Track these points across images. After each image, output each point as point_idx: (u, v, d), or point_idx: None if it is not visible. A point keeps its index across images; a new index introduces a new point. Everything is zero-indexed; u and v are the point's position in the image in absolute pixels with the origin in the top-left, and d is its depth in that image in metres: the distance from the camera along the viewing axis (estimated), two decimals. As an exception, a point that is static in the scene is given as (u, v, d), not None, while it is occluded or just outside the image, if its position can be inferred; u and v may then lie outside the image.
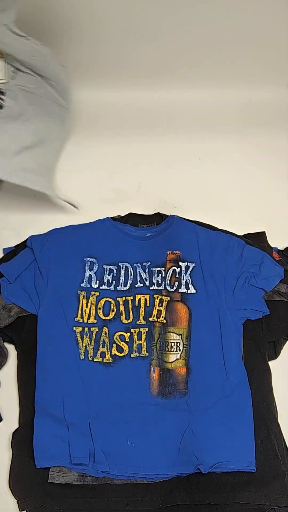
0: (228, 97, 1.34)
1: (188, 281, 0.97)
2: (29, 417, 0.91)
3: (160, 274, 0.98)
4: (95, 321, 0.95)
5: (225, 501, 0.83)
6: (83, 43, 1.26)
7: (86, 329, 0.94)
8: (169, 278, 0.97)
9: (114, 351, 0.93)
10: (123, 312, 0.96)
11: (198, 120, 1.32)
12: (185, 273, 0.97)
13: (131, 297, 0.97)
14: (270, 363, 0.98)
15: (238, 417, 0.88)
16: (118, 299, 0.97)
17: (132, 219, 1.07)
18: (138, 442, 0.86)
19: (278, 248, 1.09)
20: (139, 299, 0.96)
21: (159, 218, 1.08)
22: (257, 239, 1.08)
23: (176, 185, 1.19)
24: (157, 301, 0.96)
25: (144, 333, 0.94)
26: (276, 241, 1.10)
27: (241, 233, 1.09)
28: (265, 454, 0.87)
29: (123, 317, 0.95)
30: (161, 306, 0.95)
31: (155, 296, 0.96)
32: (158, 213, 1.08)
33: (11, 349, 1.00)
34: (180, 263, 0.98)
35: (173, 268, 0.98)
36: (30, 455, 0.87)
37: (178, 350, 0.92)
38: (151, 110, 1.33)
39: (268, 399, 0.93)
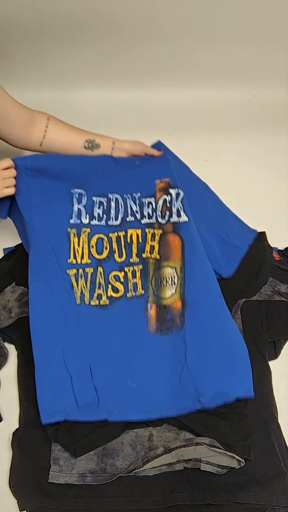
0: (228, 97, 1.34)
1: (179, 209, 0.93)
2: (29, 417, 0.91)
3: (150, 205, 0.94)
4: (89, 261, 0.90)
5: (225, 501, 0.83)
6: (83, 43, 1.26)
7: (80, 270, 0.89)
8: (160, 209, 0.93)
9: (110, 292, 0.89)
10: (116, 249, 0.91)
11: (198, 120, 1.32)
12: (176, 200, 0.94)
13: (123, 233, 0.92)
14: (270, 363, 0.98)
15: (233, 345, 0.88)
16: (110, 235, 0.92)
17: None
18: (138, 381, 0.85)
19: (278, 248, 1.09)
20: (131, 234, 0.92)
21: None
22: (257, 239, 1.09)
23: (176, 185, 1.19)
24: (149, 236, 0.93)
25: (138, 270, 0.91)
26: (276, 241, 1.10)
27: (241, 233, 1.09)
28: (265, 454, 0.87)
29: (116, 255, 0.91)
30: (154, 240, 0.92)
31: (147, 230, 0.93)
32: None
33: (11, 349, 1.00)
34: (170, 190, 0.95)
35: (163, 197, 0.94)
36: (30, 455, 0.87)
37: (173, 284, 0.90)
38: (151, 110, 1.33)
39: (268, 399, 0.93)
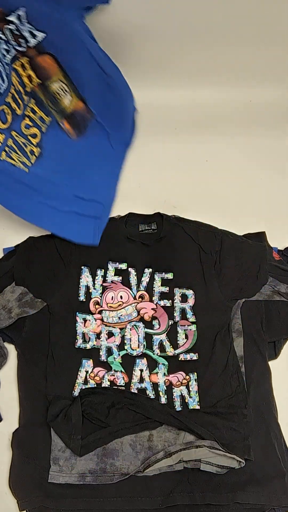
0: (228, 97, 1.34)
1: (31, 29, 0.87)
2: (29, 417, 0.92)
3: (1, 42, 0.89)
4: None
5: (225, 501, 0.83)
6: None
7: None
8: (12, 40, 0.88)
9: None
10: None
11: (198, 120, 1.32)
12: (21, 24, 0.86)
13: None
14: (270, 363, 0.98)
15: None
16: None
17: (131, 219, 1.07)
18: None
19: (278, 248, 1.09)
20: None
21: (159, 218, 1.07)
22: (257, 239, 1.09)
23: (176, 185, 1.19)
24: (21, 71, 0.92)
25: (30, 111, 0.96)
26: (276, 241, 1.10)
27: (241, 233, 1.09)
28: (265, 454, 0.87)
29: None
30: (26, 70, 0.92)
31: (15, 66, 0.91)
32: (158, 212, 1.08)
33: (11, 349, 1.00)
34: (7, 18, 0.86)
35: (6, 27, 0.87)
36: (30, 455, 0.87)
37: (65, 92, 0.94)
38: (151, 110, 1.32)
39: (268, 399, 0.93)
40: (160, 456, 0.84)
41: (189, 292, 0.99)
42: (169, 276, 1.00)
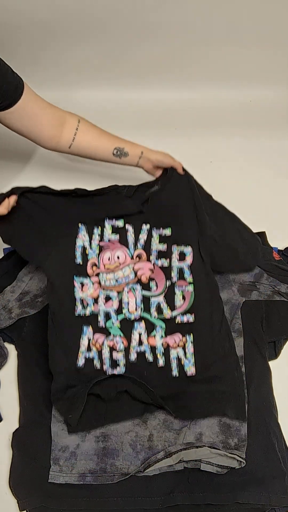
0: (228, 97, 1.34)
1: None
2: (29, 417, 0.91)
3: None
4: None
5: (225, 501, 0.83)
6: (84, 43, 1.26)
7: None
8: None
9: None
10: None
11: (198, 120, 1.32)
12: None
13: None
14: (270, 363, 0.98)
15: None
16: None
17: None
18: None
19: (278, 248, 1.09)
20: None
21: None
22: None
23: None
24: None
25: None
26: (276, 241, 1.10)
27: (241, 233, 1.09)
28: (265, 454, 0.87)
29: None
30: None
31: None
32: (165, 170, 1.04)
33: (11, 349, 1.00)
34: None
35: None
36: (30, 455, 0.87)
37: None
38: (151, 110, 1.33)
39: (268, 399, 0.93)
40: (160, 456, 0.84)
41: (187, 250, 0.97)
42: (167, 232, 0.98)
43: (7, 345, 0.99)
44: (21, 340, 0.97)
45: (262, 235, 1.09)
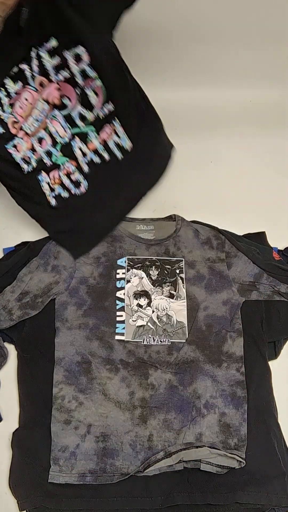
0: (228, 97, 1.34)
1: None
2: (29, 417, 0.91)
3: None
4: None
5: (225, 501, 0.83)
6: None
7: None
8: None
9: None
10: None
11: (198, 120, 1.32)
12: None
13: None
14: (270, 363, 0.98)
15: None
16: None
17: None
18: None
19: (278, 248, 1.09)
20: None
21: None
22: (257, 239, 1.09)
23: (176, 185, 1.19)
24: None
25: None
26: (276, 241, 1.10)
27: (241, 233, 1.09)
28: (265, 454, 0.87)
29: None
30: None
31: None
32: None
33: (11, 349, 1.00)
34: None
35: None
36: (30, 455, 0.87)
37: None
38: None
39: (268, 399, 0.93)
40: (160, 456, 0.84)
41: (80, 50, 0.90)
42: (53, 43, 0.89)
43: (7, 345, 0.99)
44: (21, 340, 0.97)
45: (262, 235, 1.09)
